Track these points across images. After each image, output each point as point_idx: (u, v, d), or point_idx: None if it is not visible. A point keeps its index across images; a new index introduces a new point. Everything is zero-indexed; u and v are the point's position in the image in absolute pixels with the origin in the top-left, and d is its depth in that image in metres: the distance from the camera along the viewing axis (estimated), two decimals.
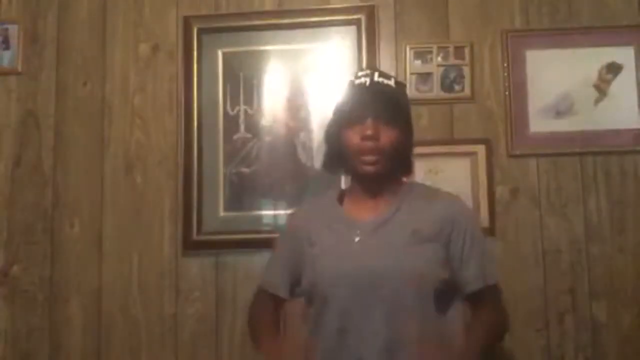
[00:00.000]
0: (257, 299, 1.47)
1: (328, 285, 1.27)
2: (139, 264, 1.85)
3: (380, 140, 1.26)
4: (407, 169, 1.39)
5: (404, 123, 1.32)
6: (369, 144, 1.26)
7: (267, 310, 1.42)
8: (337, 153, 1.34)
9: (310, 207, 1.49)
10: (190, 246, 1.84)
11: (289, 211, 1.82)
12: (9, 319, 1.85)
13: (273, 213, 1.84)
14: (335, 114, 1.35)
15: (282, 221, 1.82)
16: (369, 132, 1.26)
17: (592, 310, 1.73)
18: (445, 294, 1.27)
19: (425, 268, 1.25)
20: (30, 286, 1.86)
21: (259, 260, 1.81)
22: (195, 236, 1.83)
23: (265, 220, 1.84)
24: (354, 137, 1.28)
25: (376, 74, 1.32)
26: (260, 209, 1.84)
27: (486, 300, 1.31)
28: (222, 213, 1.85)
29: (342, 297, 1.25)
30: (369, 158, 1.27)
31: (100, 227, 1.87)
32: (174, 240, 1.85)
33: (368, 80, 1.31)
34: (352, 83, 1.33)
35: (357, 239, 1.29)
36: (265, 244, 1.81)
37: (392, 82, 1.33)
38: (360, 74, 1.34)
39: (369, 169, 1.28)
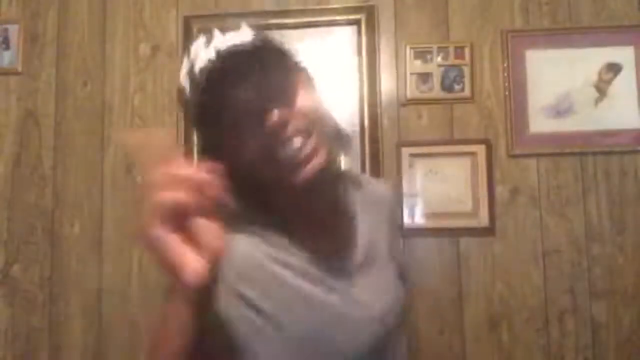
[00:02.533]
0: None
1: None
2: (139, 264, 1.85)
3: (296, 117, 0.81)
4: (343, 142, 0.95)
5: (303, 82, 0.88)
6: (290, 129, 0.81)
7: None
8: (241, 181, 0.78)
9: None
10: None
11: None
12: (9, 319, 1.85)
13: None
14: (207, 133, 0.87)
15: None
16: (276, 118, 0.79)
17: (592, 310, 1.73)
18: None
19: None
20: (30, 286, 1.86)
21: None
22: None
23: None
24: (252, 143, 0.81)
25: (216, 37, 0.84)
26: None
27: None
28: None
29: None
30: (299, 150, 0.81)
31: (100, 227, 1.87)
32: None
33: (212, 53, 0.83)
34: (193, 72, 0.87)
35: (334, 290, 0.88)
36: None
37: (247, 38, 0.85)
38: (193, 53, 0.86)
39: (306, 170, 0.81)
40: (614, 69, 1.79)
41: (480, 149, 1.79)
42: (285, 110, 0.80)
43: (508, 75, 1.82)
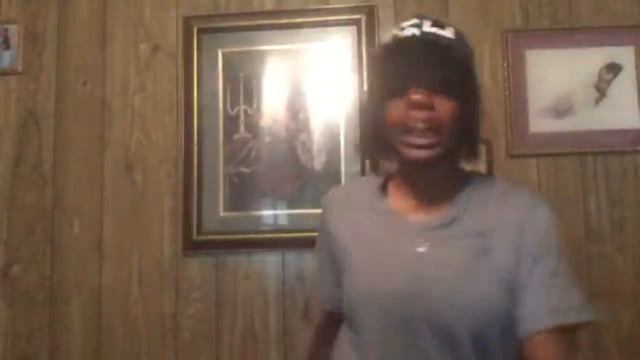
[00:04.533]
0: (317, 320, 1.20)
1: (369, 308, 0.95)
2: (139, 264, 1.85)
3: (435, 109, 0.91)
4: (472, 153, 1.01)
5: (469, 89, 0.96)
6: (418, 114, 0.91)
7: (319, 330, 1.19)
8: (374, 134, 1.00)
9: (348, 190, 1.15)
10: (190, 246, 1.84)
11: (289, 211, 1.83)
12: (9, 319, 1.85)
13: (273, 213, 1.84)
14: (372, 82, 1.02)
15: (282, 221, 1.83)
16: (418, 97, 0.90)
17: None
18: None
19: (494, 299, 0.91)
20: (30, 286, 1.86)
21: (259, 260, 1.82)
22: (195, 236, 1.83)
23: (265, 220, 1.83)
24: (397, 109, 0.92)
25: (427, 23, 0.96)
26: (260, 209, 1.84)
27: (550, 351, 0.89)
28: (222, 213, 1.85)
29: (387, 326, 0.93)
30: (419, 140, 0.91)
31: (100, 227, 1.87)
32: (174, 240, 1.85)
33: (417, 31, 0.95)
34: (395, 37, 0.98)
35: (420, 249, 0.95)
36: (265, 244, 1.81)
37: (449, 34, 0.96)
38: (405, 23, 0.97)
39: (420, 154, 0.92)
40: (614, 69, 1.79)
41: (481, 149, 1.78)
42: (429, 98, 0.90)
43: (508, 75, 1.82)
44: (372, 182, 1.06)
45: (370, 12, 1.86)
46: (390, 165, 1.05)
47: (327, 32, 1.88)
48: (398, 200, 1.01)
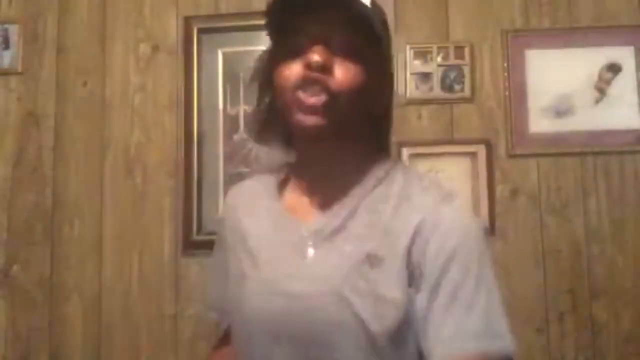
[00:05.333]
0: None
1: (252, 321, 0.83)
2: (139, 264, 1.85)
3: (333, 73, 0.79)
4: (380, 142, 0.90)
5: (378, 60, 0.83)
6: (314, 75, 0.78)
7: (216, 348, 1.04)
8: (269, 102, 0.88)
9: (250, 189, 0.99)
10: (190, 246, 1.83)
11: None
12: (9, 319, 1.85)
13: None
14: (271, 40, 0.86)
15: None
16: (315, 58, 0.77)
17: (592, 310, 1.73)
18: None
19: (368, 317, 0.75)
20: (30, 286, 1.86)
21: None
22: (195, 236, 1.83)
23: None
24: (292, 69, 0.80)
25: None
26: None
27: None
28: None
29: (265, 343, 0.81)
30: (313, 99, 0.78)
31: (100, 227, 1.87)
32: (174, 240, 1.85)
33: None
34: None
35: (306, 257, 0.82)
36: None
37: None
38: None
39: (311, 120, 0.78)
40: (614, 69, 1.79)
41: (480, 149, 1.79)
42: (329, 54, 0.78)
43: (508, 75, 1.82)
44: (271, 179, 0.94)
45: None
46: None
47: None
48: (294, 199, 0.89)
